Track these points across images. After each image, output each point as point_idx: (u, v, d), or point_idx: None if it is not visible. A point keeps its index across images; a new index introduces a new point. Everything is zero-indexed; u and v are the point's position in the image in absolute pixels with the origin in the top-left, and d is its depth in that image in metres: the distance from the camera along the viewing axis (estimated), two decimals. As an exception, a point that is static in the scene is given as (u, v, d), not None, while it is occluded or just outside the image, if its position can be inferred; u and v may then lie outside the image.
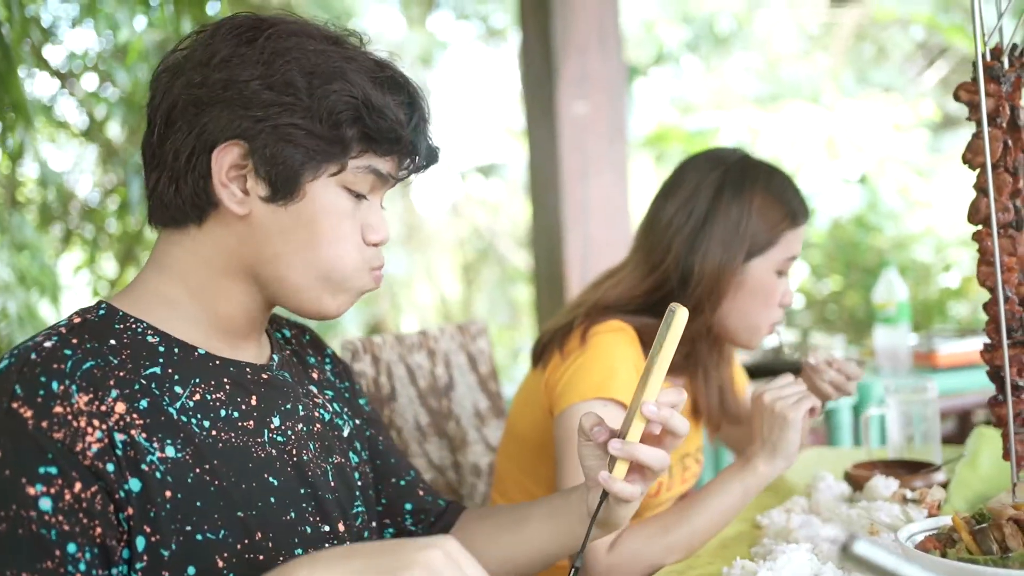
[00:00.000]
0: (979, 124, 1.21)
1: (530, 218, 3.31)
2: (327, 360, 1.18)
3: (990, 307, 1.22)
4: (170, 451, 0.89)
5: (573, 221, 3.07)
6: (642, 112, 7.21)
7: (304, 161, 0.92)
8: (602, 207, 3.09)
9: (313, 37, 0.94)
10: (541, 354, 1.49)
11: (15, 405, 0.83)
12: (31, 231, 4.29)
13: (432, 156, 1.01)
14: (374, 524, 1.13)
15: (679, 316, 0.91)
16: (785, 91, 7.40)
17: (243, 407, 0.96)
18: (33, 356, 0.86)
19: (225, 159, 0.92)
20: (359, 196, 0.97)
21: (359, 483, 1.09)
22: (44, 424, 0.83)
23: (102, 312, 0.94)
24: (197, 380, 0.94)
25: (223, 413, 0.94)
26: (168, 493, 0.88)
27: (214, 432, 0.93)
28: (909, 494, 1.30)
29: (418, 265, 7.45)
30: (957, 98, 1.22)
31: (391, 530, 1.18)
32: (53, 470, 0.82)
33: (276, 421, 0.99)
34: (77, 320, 0.92)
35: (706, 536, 1.25)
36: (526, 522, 1.11)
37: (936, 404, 1.51)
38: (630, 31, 6.98)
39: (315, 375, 1.13)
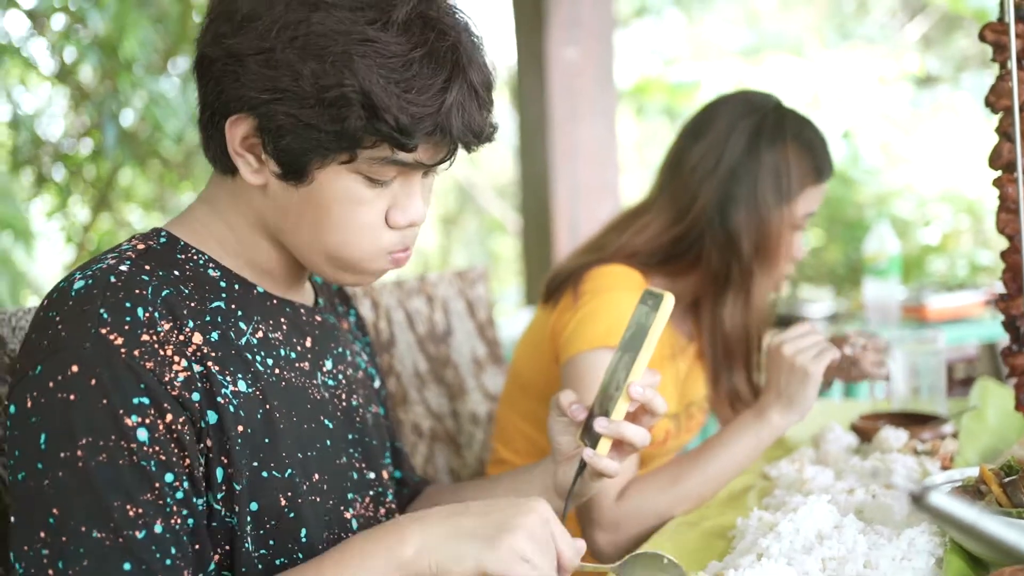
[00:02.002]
0: (1003, 66, 1.16)
1: (516, 164, 3.26)
2: (351, 312, 1.17)
3: (1008, 255, 1.19)
4: (242, 385, 0.87)
5: (561, 167, 3.02)
6: (623, 64, 7.13)
7: (308, 151, 0.84)
8: (591, 153, 3.04)
9: (339, 4, 0.83)
10: (554, 291, 1.45)
11: (104, 331, 0.80)
12: (2, 175, 4.19)
13: (474, 137, 0.88)
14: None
15: (666, 302, 0.91)
16: (767, 43, 7.34)
17: (299, 348, 0.95)
18: (112, 279, 0.83)
19: (238, 130, 0.86)
20: (380, 182, 0.88)
21: (387, 436, 1.10)
22: (136, 352, 0.80)
23: (163, 240, 0.91)
24: (258, 318, 0.92)
25: (282, 352, 0.93)
26: (240, 428, 0.86)
27: (276, 370, 0.91)
28: (920, 446, 1.28)
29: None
30: (983, 38, 1.18)
31: None
32: (146, 400, 0.80)
33: (328, 364, 0.98)
34: (141, 246, 0.89)
35: (716, 487, 1.22)
36: (487, 497, 1.08)
37: (944, 356, 1.49)
38: (615, -21, 6.87)
39: (344, 325, 1.11)
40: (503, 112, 6.90)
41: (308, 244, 0.90)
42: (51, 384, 0.79)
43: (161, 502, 0.79)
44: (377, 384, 1.14)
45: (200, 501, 0.84)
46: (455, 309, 1.67)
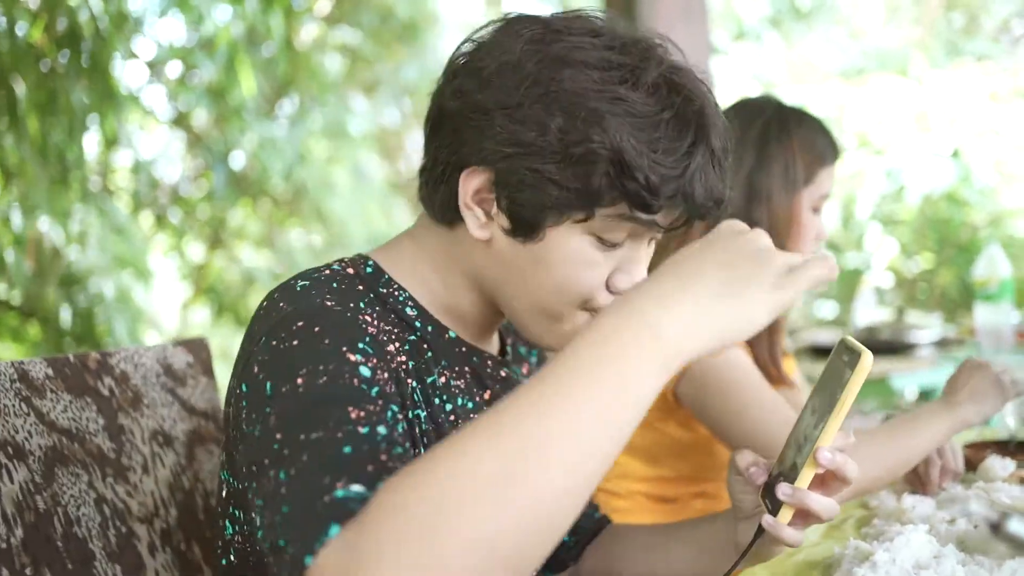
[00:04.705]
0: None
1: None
2: (533, 353, 1.16)
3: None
4: (422, 416, 0.88)
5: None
6: (722, 89, 7.09)
7: (546, 207, 0.84)
8: (688, 184, 3.03)
9: (589, 64, 0.83)
10: None
11: (329, 303, 0.82)
12: (124, 217, 4.41)
13: (712, 207, 0.87)
14: None
15: (864, 361, 0.79)
16: (871, 64, 7.19)
17: (477, 399, 0.94)
18: (335, 284, 0.86)
19: (472, 183, 0.87)
20: (612, 244, 0.87)
21: None
22: (360, 318, 0.83)
23: (369, 270, 0.92)
24: (445, 363, 0.92)
25: (460, 402, 0.92)
26: (416, 452, 0.86)
27: (452, 417, 0.91)
28: (1028, 475, 1.24)
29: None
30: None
31: None
32: (370, 349, 0.80)
33: None
34: (350, 270, 0.90)
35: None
36: (672, 544, 1.06)
37: (1054, 382, 1.44)
38: (711, 8, 6.85)
39: (524, 368, 1.11)
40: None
41: (521, 300, 0.90)
42: (274, 342, 0.79)
43: (385, 416, 0.75)
44: None
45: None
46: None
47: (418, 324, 0.91)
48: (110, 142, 3.95)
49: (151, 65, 4.77)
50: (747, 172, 1.50)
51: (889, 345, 2.71)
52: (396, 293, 0.91)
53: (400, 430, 0.76)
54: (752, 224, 1.44)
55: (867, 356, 0.79)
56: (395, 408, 0.77)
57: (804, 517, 0.86)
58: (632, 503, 1.52)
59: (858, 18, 7.88)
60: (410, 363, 0.87)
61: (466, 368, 0.94)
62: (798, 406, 1.50)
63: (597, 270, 0.87)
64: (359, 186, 5.97)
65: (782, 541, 0.85)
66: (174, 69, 4.85)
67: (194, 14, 4.04)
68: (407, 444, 0.75)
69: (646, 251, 0.91)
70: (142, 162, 4.72)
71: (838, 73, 7.35)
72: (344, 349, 0.78)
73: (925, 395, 2.59)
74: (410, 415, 0.84)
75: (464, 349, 0.94)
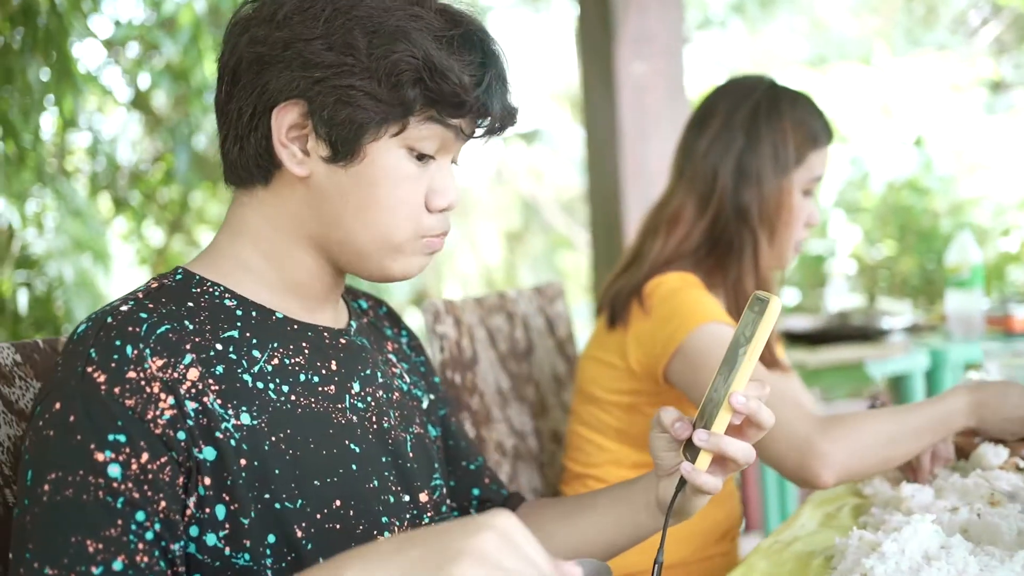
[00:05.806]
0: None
1: (583, 179, 3.25)
2: (403, 332, 1.16)
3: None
4: (245, 419, 0.86)
5: (632, 183, 2.99)
6: (689, 76, 7.08)
7: (364, 122, 0.88)
8: (663, 169, 3.01)
9: None
10: (619, 313, 1.48)
11: (90, 369, 0.81)
12: (82, 199, 4.31)
13: (508, 118, 0.95)
14: (448, 500, 1.09)
15: (773, 306, 0.85)
16: (833, 52, 7.24)
17: (323, 372, 0.94)
18: (109, 320, 0.84)
19: (285, 119, 0.89)
20: (425, 157, 0.93)
21: (437, 456, 1.07)
22: (116, 390, 0.80)
23: (179, 277, 0.92)
24: (275, 344, 0.91)
25: (303, 378, 0.92)
26: (243, 461, 0.85)
27: (292, 397, 0.90)
28: (1022, 463, 1.23)
29: (460, 233, 7.40)
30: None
31: (455, 513, 1.14)
32: (122, 438, 0.79)
33: (356, 387, 0.97)
34: (155, 285, 0.90)
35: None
36: (588, 511, 1.07)
37: (1042, 368, 1.44)
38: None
39: (390, 346, 1.10)
40: (569, 126, 6.90)
41: (352, 233, 0.92)
42: (40, 423, 0.81)
43: (126, 539, 0.77)
44: (426, 404, 1.11)
45: (177, 545, 0.82)
46: (535, 326, 1.66)
47: (239, 312, 0.91)
48: (67, 123, 3.84)
49: (108, 44, 4.65)
50: (737, 154, 1.47)
51: (862, 331, 2.71)
52: (211, 290, 0.91)
53: (149, 537, 0.79)
54: (742, 207, 1.44)
55: (776, 301, 0.86)
56: (141, 517, 0.79)
57: (722, 464, 0.91)
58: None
59: (821, 7, 7.93)
60: (217, 368, 0.86)
61: (303, 344, 0.94)
62: (792, 391, 1.49)
63: (414, 185, 0.92)
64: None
65: (700, 488, 0.90)
66: (133, 49, 4.73)
67: (155, -8, 3.94)
68: (156, 550, 0.79)
69: (451, 170, 0.96)
70: (100, 143, 4.61)
71: (801, 61, 7.40)
72: (92, 447, 0.79)
73: (897, 381, 2.60)
74: (190, 463, 0.83)
75: (295, 327, 0.94)
